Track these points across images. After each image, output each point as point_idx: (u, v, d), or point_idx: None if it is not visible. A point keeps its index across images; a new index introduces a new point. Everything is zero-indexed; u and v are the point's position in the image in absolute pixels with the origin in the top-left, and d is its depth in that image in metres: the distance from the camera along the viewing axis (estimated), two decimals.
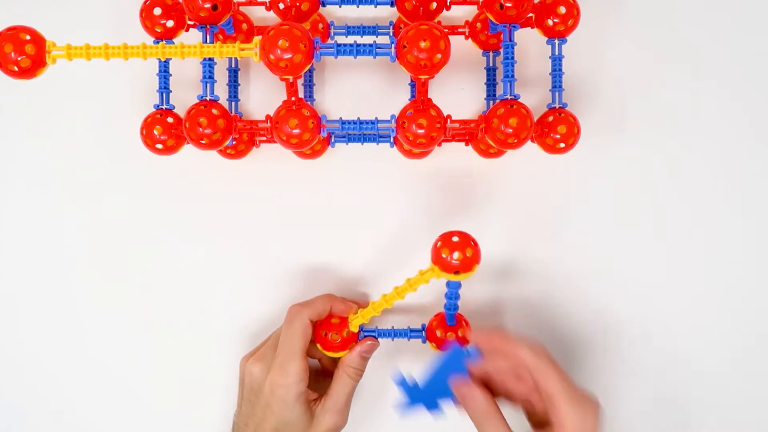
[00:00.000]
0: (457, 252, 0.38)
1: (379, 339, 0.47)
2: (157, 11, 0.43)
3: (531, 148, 0.45)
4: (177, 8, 0.44)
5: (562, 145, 0.44)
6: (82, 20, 0.50)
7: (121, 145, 0.50)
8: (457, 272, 0.38)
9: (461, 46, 0.49)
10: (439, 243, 0.39)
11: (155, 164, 0.49)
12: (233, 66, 0.50)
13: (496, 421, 0.40)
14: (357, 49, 0.39)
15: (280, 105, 0.41)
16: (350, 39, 0.49)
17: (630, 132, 0.51)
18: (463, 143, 0.50)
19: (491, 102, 0.49)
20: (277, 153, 0.48)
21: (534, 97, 0.50)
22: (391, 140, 0.48)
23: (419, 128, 0.41)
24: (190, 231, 0.51)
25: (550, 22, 0.43)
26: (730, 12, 0.51)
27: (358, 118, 0.45)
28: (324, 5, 0.46)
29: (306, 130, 0.41)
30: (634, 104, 0.50)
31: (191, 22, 0.45)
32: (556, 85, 0.45)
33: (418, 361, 0.44)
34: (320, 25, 0.49)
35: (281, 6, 0.45)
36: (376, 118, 0.44)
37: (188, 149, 0.44)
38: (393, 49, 0.38)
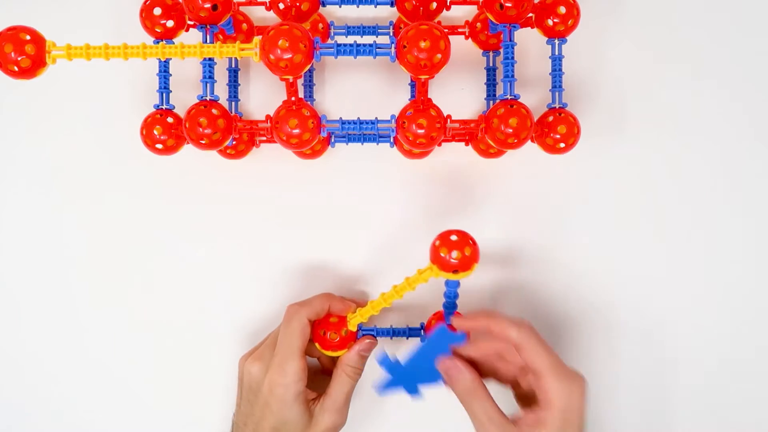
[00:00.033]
0: (455, 251, 0.38)
1: (378, 338, 0.47)
2: (157, 11, 0.43)
3: (531, 148, 0.45)
4: (177, 8, 0.44)
5: (562, 145, 0.44)
6: (82, 20, 0.50)
7: (121, 145, 0.50)
8: (455, 271, 0.38)
9: (461, 46, 0.49)
10: (437, 242, 0.39)
11: (155, 164, 0.49)
12: (233, 66, 0.50)
13: (482, 399, 0.41)
14: (357, 49, 0.39)
15: (280, 105, 0.41)
16: (350, 39, 0.49)
17: (630, 132, 0.51)
18: (463, 143, 0.50)
19: (491, 102, 0.49)
20: (277, 153, 0.48)
21: (534, 97, 0.50)
22: (391, 140, 0.48)
23: (419, 128, 0.41)
24: (190, 231, 0.51)
25: (550, 22, 0.43)
26: (730, 12, 0.51)
27: (358, 118, 0.45)
28: (324, 5, 0.46)
29: (306, 130, 0.41)
30: (634, 104, 0.50)
31: (191, 22, 0.45)
32: (556, 85, 0.45)
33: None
34: (320, 25, 0.49)
35: (281, 6, 0.45)
36: (376, 118, 0.44)
37: (188, 149, 0.44)
38: (393, 49, 0.38)
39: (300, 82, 0.50)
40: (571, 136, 0.44)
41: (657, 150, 0.51)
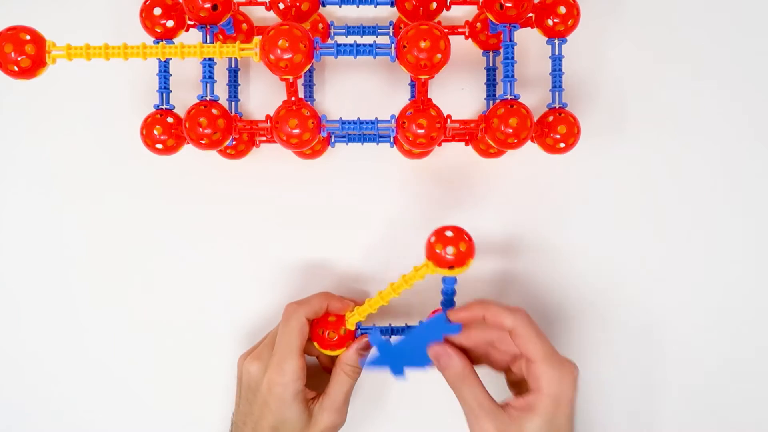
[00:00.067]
0: (450, 247, 0.38)
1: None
2: (157, 11, 0.43)
3: (531, 148, 0.45)
4: (177, 8, 0.44)
5: (562, 145, 0.44)
6: (82, 20, 0.50)
7: (121, 145, 0.50)
8: (451, 267, 0.38)
9: (461, 46, 0.49)
10: (432, 238, 0.39)
11: (155, 164, 0.49)
12: (233, 66, 0.50)
13: (472, 385, 0.41)
14: (357, 49, 0.39)
15: (280, 105, 0.41)
16: (350, 39, 0.49)
17: (630, 132, 0.51)
18: (463, 143, 0.50)
19: (491, 102, 0.49)
20: (277, 153, 0.48)
21: (534, 97, 0.50)
22: (391, 140, 0.48)
23: (419, 128, 0.41)
24: (190, 231, 0.51)
25: (550, 22, 0.43)
26: (730, 12, 0.51)
27: (358, 118, 0.45)
28: (324, 5, 0.46)
29: (306, 130, 0.41)
30: (634, 104, 0.50)
31: (191, 22, 0.45)
32: (556, 85, 0.45)
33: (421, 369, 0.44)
34: (320, 25, 0.49)
35: (281, 6, 0.45)
36: (376, 118, 0.44)
37: (188, 149, 0.44)
38: (393, 49, 0.38)
39: (300, 82, 0.50)
40: (571, 136, 0.44)
41: (657, 150, 0.51)
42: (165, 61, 0.45)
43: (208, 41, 0.44)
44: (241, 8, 0.48)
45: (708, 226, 0.51)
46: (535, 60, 0.50)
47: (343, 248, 0.51)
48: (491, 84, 0.50)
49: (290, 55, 0.36)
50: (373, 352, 0.43)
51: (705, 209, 0.51)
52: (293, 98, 0.40)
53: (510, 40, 0.43)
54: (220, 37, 0.47)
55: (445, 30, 0.41)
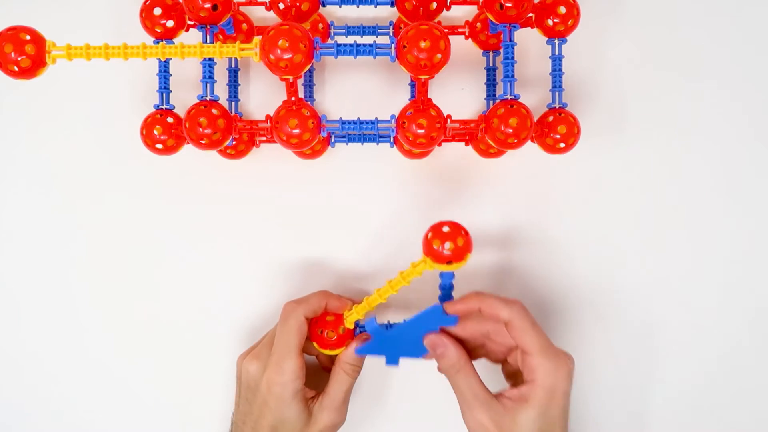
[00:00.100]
0: (448, 242, 0.38)
1: None
2: (157, 11, 0.43)
3: (531, 148, 0.45)
4: (177, 8, 0.44)
5: (562, 145, 0.44)
6: (82, 20, 0.50)
7: (121, 145, 0.50)
8: (449, 262, 0.38)
9: (461, 46, 0.49)
10: (429, 234, 0.39)
11: (155, 164, 0.49)
12: (233, 66, 0.50)
13: (467, 375, 0.41)
14: (357, 49, 0.39)
15: (280, 105, 0.41)
16: (350, 39, 0.49)
17: (630, 132, 0.51)
18: (463, 143, 0.50)
19: (491, 102, 0.49)
20: (277, 153, 0.48)
21: (534, 97, 0.50)
22: (391, 140, 0.48)
23: (419, 128, 0.41)
24: (190, 231, 0.51)
25: (550, 22, 0.43)
26: (730, 12, 0.51)
27: (358, 118, 0.45)
28: (324, 5, 0.46)
29: (306, 130, 0.41)
30: (634, 104, 0.50)
31: (191, 22, 0.45)
32: (556, 85, 0.45)
33: (416, 359, 0.45)
34: (320, 25, 0.49)
35: (281, 6, 0.45)
36: (376, 118, 0.44)
37: (188, 149, 0.44)
38: (393, 49, 0.38)
39: (300, 82, 0.50)
40: (571, 136, 0.44)
41: (657, 150, 0.51)
42: (165, 61, 0.45)
43: (208, 41, 0.44)
44: (241, 8, 0.48)
45: (708, 226, 0.51)
46: (535, 60, 0.50)
47: (342, 248, 0.51)
48: (491, 84, 0.50)
49: (290, 55, 0.36)
50: (368, 339, 0.44)
51: (705, 209, 0.51)
52: (293, 98, 0.40)
53: (510, 40, 0.43)
54: (220, 37, 0.47)
55: (445, 30, 0.41)
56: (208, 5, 0.42)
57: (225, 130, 0.42)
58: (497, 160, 0.50)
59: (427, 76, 0.39)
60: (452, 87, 0.50)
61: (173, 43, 0.42)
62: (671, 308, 0.51)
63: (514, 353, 0.42)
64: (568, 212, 0.51)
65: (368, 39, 0.46)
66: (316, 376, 0.47)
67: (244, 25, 0.48)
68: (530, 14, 0.44)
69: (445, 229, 0.38)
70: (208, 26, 0.43)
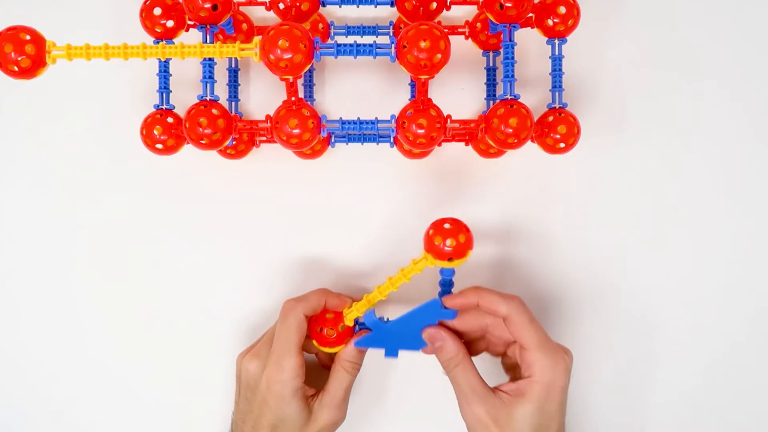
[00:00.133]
0: (449, 239, 0.38)
1: None
2: (157, 11, 0.43)
3: (531, 148, 0.45)
4: (177, 8, 0.44)
5: (562, 145, 0.44)
6: (82, 20, 0.50)
7: (121, 145, 0.50)
8: (450, 259, 0.38)
9: (461, 46, 0.49)
10: (431, 231, 0.39)
11: (155, 164, 0.49)
12: (233, 66, 0.50)
13: (465, 369, 0.41)
14: (357, 49, 0.39)
15: (280, 105, 0.41)
16: (350, 39, 0.49)
17: (630, 132, 0.51)
18: (463, 143, 0.50)
19: (491, 102, 0.49)
20: (277, 153, 0.48)
21: (534, 97, 0.50)
22: (391, 140, 0.48)
23: (419, 128, 0.41)
24: (190, 231, 0.51)
25: (550, 22, 0.43)
26: (730, 12, 0.51)
27: (358, 118, 0.45)
28: (324, 5, 0.46)
29: (306, 130, 0.41)
30: (634, 104, 0.50)
31: (191, 22, 0.45)
32: (556, 85, 0.45)
33: (414, 353, 0.45)
34: (320, 25, 0.49)
35: (281, 6, 0.45)
36: (376, 118, 0.44)
37: (188, 149, 0.44)
38: (393, 49, 0.38)
39: (300, 82, 0.50)
40: (571, 136, 0.43)
41: (657, 150, 0.51)
42: (165, 61, 0.45)
43: (208, 41, 0.44)
44: (241, 8, 0.48)
45: (708, 226, 0.51)
46: (535, 60, 0.50)
47: (342, 248, 0.51)
48: (491, 84, 0.50)
49: (290, 55, 0.36)
50: (367, 332, 0.44)
51: (705, 209, 0.51)
52: (293, 98, 0.40)
53: (510, 40, 0.43)
54: (220, 37, 0.47)
55: (445, 30, 0.41)
56: (208, 5, 0.42)
57: (225, 130, 0.42)
58: (497, 160, 0.50)
59: (427, 76, 0.39)
60: (452, 87, 0.50)
61: (173, 43, 0.42)
62: (671, 308, 0.51)
63: (513, 346, 0.43)
64: (568, 212, 0.51)
65: (368, 39, 0.46)
66: (316, 374, 0.47)
67: (244, 25, 0.48)
68: (530, 14, 0.44)
69: (447, 225, 0.38)
70: (208, 26, 0.43)
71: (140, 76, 0.49)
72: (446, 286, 0.44)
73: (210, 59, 0.44)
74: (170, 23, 0.43)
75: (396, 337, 0.43)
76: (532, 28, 0.45)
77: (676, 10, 0.51)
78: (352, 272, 0.51)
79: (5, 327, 0.51)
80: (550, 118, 0.44)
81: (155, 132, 0.43)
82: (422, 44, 0.37)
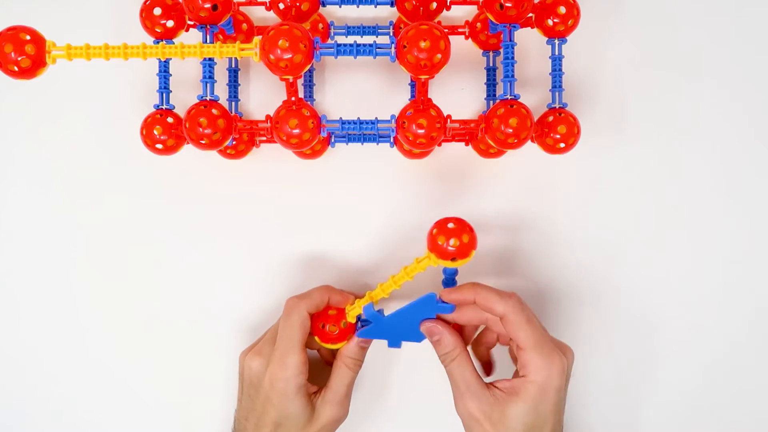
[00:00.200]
0: (453, 238, 0.38)
1: None
2: (157, 11, 0.43)
3: (531, 148, 0.45)
4: (177, 8, 0.44)
5: (562, 145, 0.44)
6: (82, 20, 0.50)
7: (121, 145, 0.50)
8: (453, 259, 0.38)
9: (461, 46, 0.49)
10: (434, 230, 0.39)
11: (155, 164, 0.49)
12: (233, 66, 0.50)
13: (462, 364, 0.42)
14: (357, 49, 0.39)
15: (280, 105, 0.41)
16: (350, 39, 0.49)
17: (630, 132, 0.51)
18: (463, 143, 0.50)
19: (491, 102, 0.49)
20: (277, 153, 0.48)
21: (534, 97, 0.50)
22: (391, 140, 0.48)
23: (419, 128, 0.41)
24: (190, 231, 0.51)
25: (550, 22, 0.43)
26: (730, 12, 0.51)
27: (358, 118, 0.45)
28: (324, 5, 0.46)
29: (306, 130, 0.41)
30: (634, 104, 0.50)
31: (191, 22, 0.45)
32: (556, 85, 0.45)
33: (416, 350, 0.45)
34: (320, 25, 0.49)
35: (281, 6, 0.45)
36: (376, 118, 0.44)
37: (188, 149, 0.44)
38: (393, 49, 0.38)
39: (300, 82, 0.50)
40: (571, 136, 0.43)
41: (657, 150, 0.51)
42: (165, 61, 0.45)
43: (208, 41, 0.44)
44: (241, 8, 0.48)
45: (708, 226, 0.51)
46: (535, 60, 0.50)
47: (342, 248, 0.51)
48: (491, 84, 0.50)
49: (290, 55, 0.36)
50: (368, 324, 0.44)
51: (705, 209, 0.51)
52: (293, 98, 0.40)
53: (510, 40, 0.43)
54: (220, 37, 0.47)
55: (445, 30, 0.41)
56: (208, 5, 0.42)
57: (225, 130, 0.42)
58: (497, 160, 0.50)
59: (427, 76, 0.39)
60: (452, 87, 0.50)
61: (173, 43, 0.42)
62: (671, 308, 0.51)
63: (512, 343, 0.43)
64: (568, 212, 0.50)
65: (368, 39, 0.46)
66: (318, 370, 0.47)
67: (244, 25, 0.48)
68: (530, 14, 0.44)
69: (450, 225, 0.38)
70: (208, 26, 0.43)
71: (140, 76, 0.49)
72: (449, 285, 0.44)
73: (210, 59, 0.44)
74: (170, 23, 0.43)
75: (396, 329, 0.44)
76: (532, 28, 0.45)
77: (676, 10, 0.51)
78: (351, 272, 0.51)
79: (5, 327, 0.51)
80: (550, 118, 0.44)
81: (155, 132, 0.43)
82: (422, 44, 0.37)
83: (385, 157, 0.50)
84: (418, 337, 0.44)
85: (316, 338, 0.45)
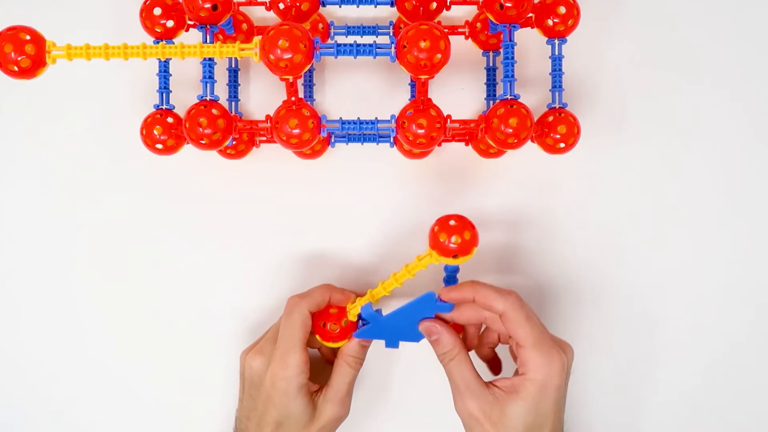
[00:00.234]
0: (455, 236, 0.38)
1: None
2: (157, 11, 0.43)
3: (531, 148, 0.45)
4: (177, 8, 0.44)
5: (562, 145, 0.44)
6: (82, 20, 0.50)
7: (121, 145, 0.50)
8: (455, 256, 0.38)
9: (461, 46, 0.49)
10: (436, 227, 0.38)
11: (155, 164, 0.49)
12: (233, 66, 0.50)
13: (461, 363, 0.41)
14: (357, 49, 0.39)
15: (280, 105, 0.41)
16: (350, 39, 0.49)
17: (630, 132, 0.51)
18: (463, 143, 0.50)
19: (491, 102, 0.49)
20: (277, 153, 0.48)
21: (534, 97, 0.50)
22: (391, 140, 0.48)
23: (419, 128, 0.41)
24: (190, 231, 0.51)
25: (550, 22, 0.43)
26: (730, 12, 0.51)
27: (358, 118, 0.45)
28: (324, 5, 0.46)
29: (306, 130, 0.41)
30: (634, 104, 0.50)
31: (191, 22, 0.45)
32: (556, 85, 0.45)
33: (416, 350, 0.45)
34: (320, 25, 0.49)
35: (281, 6, 0.45)
36: (376, 118, 0.44)
37: (188, 149, 0.44)
38: (393, 49, 0.38)
39: (300, 82, 0.50)
40: (571, 136, 0.43)
41: (657, 150, 0.51)
42: (165, 61, 0.45)
43: (208, 41, 0.44)
44: (241, 8, 0.48)
45: (708, 226, 0.51)
46: (535, 60, 0.50)
47: (343, 248, 0.51)
48: (491, 84, 0.50)
49: (290, 55, 0.36)
50: (366, 324, 0.44)
51: (705, 209, 0.51)
52: (293, 98, 0.40)
53: (510, 40, 0.43)
54: (220, 37, 0.47)
55: (445, 30, 0.41)
56: (208, 5, 0.42)
57: (225, 130, 0.42)
58: (497, 160, 0.50)
59: (427, 76, 0.39)
60: (452, 87, 0.50)
61: (173, 43, 0.42)
62: (671, 308, 0.51)
63: (512, 341, 0.43)
64: (568, 212, 0.50)
65: (368, 39, 0.46)
66: (319, 369, 0.47)
67: (244, 25, 0.48)
68: (530, 14, 0.44)
69: (452, 222, 0.38)
70: (208, 26, 0.43)
71: (140, 76, 0.49)
72: (450, 283, 0.44)
73: (210, 59, 0.44)
74: (170, 23, 0.43)
75: (394, 329, 0.44)
76: (532, 28, 0.45)
77: (676, 10, 0.51)
78: (352, 272, 0.51)
79: (5, 327, 0.51)
80: (550, 118, 0.44)
81: (155, 132, 0.43)
82: (422, 44, 0.37)
83: (385, 157, 0.50)
84: (416, 337, 0.43)
85: (317, 337, 0.45)
